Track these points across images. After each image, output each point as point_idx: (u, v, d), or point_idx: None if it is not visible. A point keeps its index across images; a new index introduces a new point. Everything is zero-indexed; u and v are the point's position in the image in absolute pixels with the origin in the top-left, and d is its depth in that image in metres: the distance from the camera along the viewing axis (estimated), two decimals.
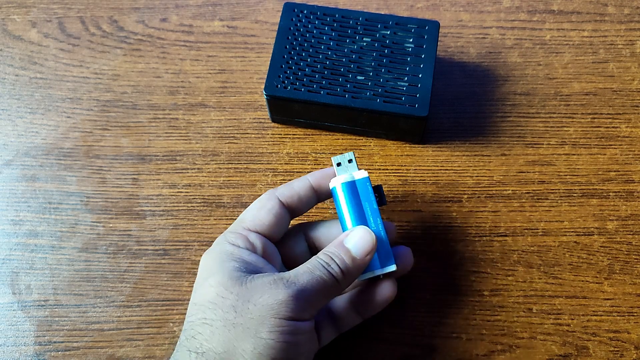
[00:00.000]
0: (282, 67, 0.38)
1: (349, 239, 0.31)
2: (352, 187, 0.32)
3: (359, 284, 0.33)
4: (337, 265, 0.30)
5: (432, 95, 0.39)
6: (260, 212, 0.32)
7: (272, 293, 0.28)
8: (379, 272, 0.31)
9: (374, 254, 0.31)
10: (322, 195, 0.34)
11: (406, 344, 0.36)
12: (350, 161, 0.33)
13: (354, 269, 0.30)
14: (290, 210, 0.33)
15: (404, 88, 0.37)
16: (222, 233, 0.33)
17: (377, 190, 0.33)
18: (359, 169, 0.33)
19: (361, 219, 0.32)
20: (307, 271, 0.29)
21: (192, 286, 0.31)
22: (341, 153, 0.40)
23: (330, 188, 0.33)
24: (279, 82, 0.38)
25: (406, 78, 0.38)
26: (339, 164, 0.33)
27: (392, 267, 0.31)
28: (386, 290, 0.32)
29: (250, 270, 0.30)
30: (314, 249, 0.35)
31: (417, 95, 0.37)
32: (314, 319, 0.30)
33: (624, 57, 0.43)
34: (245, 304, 0.28)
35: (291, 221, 0.34)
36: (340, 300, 0.33)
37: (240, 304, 0.28)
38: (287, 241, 0.34)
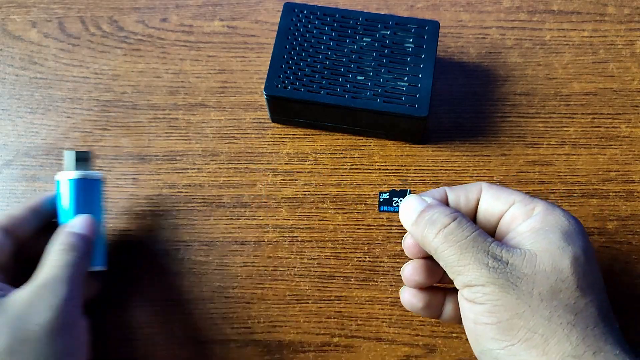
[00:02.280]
0: (282, 67, 0.38)
1: (71, 224, 0.33)
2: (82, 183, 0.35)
3: None
4: (69, 248, 0.32)
5: (432, 95, 0.38)
6: None
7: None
8: (92, 268, 0.34)
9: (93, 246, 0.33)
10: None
11: (406, 344, 0.36)
12: (86, 160, 0.35)
13: (83, 244, 0.32)
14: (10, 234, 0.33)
15: (404, 88, 0.37)
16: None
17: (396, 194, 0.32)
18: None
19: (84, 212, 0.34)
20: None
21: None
22: (341, 153, 0.40)
23: (56, 181, 0.35)
24: (279, 82, 0.38)
25: (406, 78, 0.38)
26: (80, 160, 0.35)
27: (101, 267, 0.35)
28: (93, 288, 0.36)
29: None
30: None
31: (417, 96, 0.37)
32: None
33: (624, 57, 0.43)
34: None
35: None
36: None
37: None
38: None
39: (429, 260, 0.31)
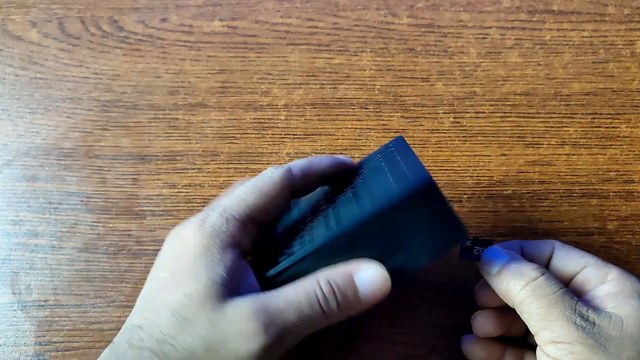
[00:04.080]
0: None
1: (361, 274, 0.26)
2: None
3: None
4: (337, 302, 0.25)
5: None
6: (263, 197, 0.28)
7: (248, 340, 0.24)
8: None
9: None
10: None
11: (407, 344, 0.36)
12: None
13: (353, 310, 0.26)
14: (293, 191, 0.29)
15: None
16: (211, 203, 0.28)
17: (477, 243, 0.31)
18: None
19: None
20: (296, 305, 0.25)
21: None
22: (341, 153, 0.40)
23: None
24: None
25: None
26: None
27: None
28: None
29: (233, 284, 0.25)
30: None
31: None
32: None
33: (624, 57, 0.43)
34: (216, 345, 0.24)
35: None
36: None
37: (211, 341, 0.24)
38: None
39: (500, 311, 0.32)
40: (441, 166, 0.40)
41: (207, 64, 0.44)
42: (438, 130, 0.41)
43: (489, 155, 0.40)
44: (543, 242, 0.32)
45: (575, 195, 0.39)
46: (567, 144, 0.41)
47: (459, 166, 0.40)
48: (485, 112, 0.42)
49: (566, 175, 0.40)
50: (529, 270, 0.29)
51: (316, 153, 0.41)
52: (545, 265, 0.31)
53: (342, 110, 0.42)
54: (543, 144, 0.41)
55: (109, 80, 0.43)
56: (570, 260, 0.31)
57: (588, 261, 0.31)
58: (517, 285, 0.29)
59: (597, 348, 0.26)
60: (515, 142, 0.41)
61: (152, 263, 0.38)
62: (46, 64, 0.44)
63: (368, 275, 0.26)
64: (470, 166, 0.40)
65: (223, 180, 0.40)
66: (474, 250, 0.31)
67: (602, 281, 0.30)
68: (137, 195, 0.40)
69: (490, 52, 0.44)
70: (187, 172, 0.40)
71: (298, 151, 0.41)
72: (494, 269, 0.30)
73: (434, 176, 0.40)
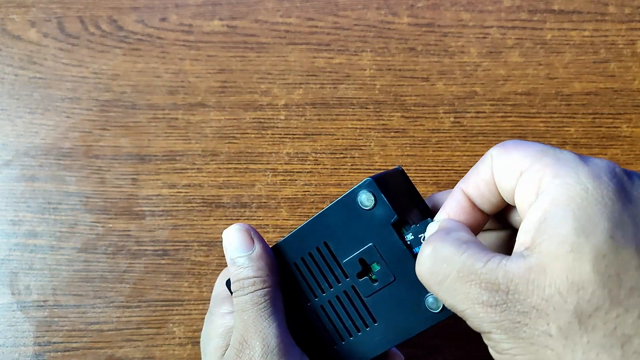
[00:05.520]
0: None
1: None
2: None
3: None
4: None
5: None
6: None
7: None
8: None
9: None
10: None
11: (408, 344, 0.35)
12: None
13: None
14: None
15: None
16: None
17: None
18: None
19: None
20: None
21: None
22: (341, 153, 0.40)
23: None
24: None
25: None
26: None
27: None
28: None
29: None
30: None
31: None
32: None
33: (625, 57, 0.43)
34: None
35: None
36: None
37: None
38: None
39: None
40: (442, 166, 0.40)
41: (206, 63, 0.44)
42: (439, 130, 0.41)
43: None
44: (480, 164, 0.24)
45: None
46: (568, 144, 0.40)
47: (460, 166, 0.40)
48: (486, 112, 0.42)
49: None
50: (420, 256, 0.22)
51: (316, 153, 0.40)
52: (497, 195, 0.23)
53: (342, 110, 0.42)
54: (544, 144, 0.40)
55: (108, 80, 0.43)
56: (506, 173, 0.22)
57: (522, 164, 0.21)
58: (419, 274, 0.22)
59: (514, 330, 0.18)
60: None
61: (152, 263, 0.38)
62: (45, 63, 0.44)
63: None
64: (471, 166, 0.40)
65: (223, 180, 0.40)
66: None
67: (535, 193, 0.20)
68: (137, 196, 0.39)
69: (491, 52, 0.44)
70: (187, 172, 0.40)
71: (298, 151, 0.41)
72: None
73: (435, 176, 0.40)
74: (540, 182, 0.20)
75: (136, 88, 0.43)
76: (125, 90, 0.43)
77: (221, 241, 0.38)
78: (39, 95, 0.43)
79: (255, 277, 0.27)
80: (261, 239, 0.29)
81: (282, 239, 0.29)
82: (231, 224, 0.37)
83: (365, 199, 0.26)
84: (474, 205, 0.24)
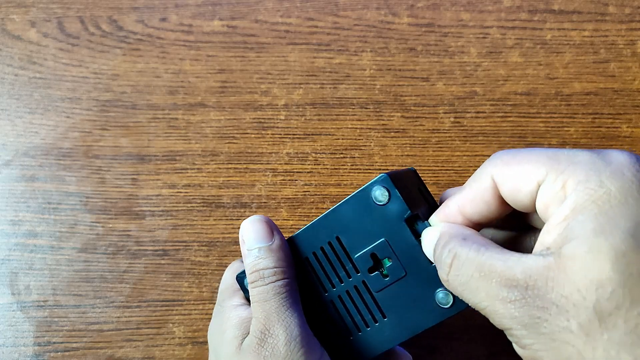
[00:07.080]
0: None
1: None
2: None
3: None
4: None
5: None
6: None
7: None
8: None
9: None
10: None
11: (407, 344, 0.35)
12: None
13: None
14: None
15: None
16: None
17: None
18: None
19: None
20: None
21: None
22: (341, 153, 0.40)
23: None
24: None
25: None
26: None
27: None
28: None
29: None
30: None
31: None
32: None
33: (625, 57, 0.43)
34: None
35: None
36: None
37: None
38: None
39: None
40: (442, 166, 0.40)
41: (206, 63, 0.44)
42: (438, 130, 0.41)
43: (489, 155, 0.40)
44: (474, 179, 0.25)
45: None
46: (568, 144, 0.40)
47: (460, 166, 0.40)
48: (485, 112, 0.42)
49: None
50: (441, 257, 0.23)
51: (316, 153, 0.40)
52: (500, 205, 0.23)
53: (342, 110, 0.42)
54: (544, 144, 0.40)
55: (108, 80, 0.43)
56: (520, 182, 0.22)
57: (539, 173, 0.21)
58: (442, 274, 0.23)
59: (535, 326, 0.19)
60: (516, 142, 0.40)
61: (152, 263, 0.38)
62: (45, 63, 0.44)
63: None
64: (471, 166, 0.40)
65: (223, 180, 0.40)
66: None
67: (562, 200, 0.20)
68: (137, 196, 0.39)
69: (491, 52, 0.44)
70: (187, 172, 0.40)
71: (298, 151, 0.41)
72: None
73: (435, 176, 0.40)
74: (564, 190, 0.20)
75: (136, 88, 0.43)
76: (125, 90, 0.43)
77: (220, 241, 0.38)
78: (39, 95, 0.43)
79: (275, 267, 0.27)
80: (279, 232, 0.29)
81: (295, 232, 0.29)
82: (231, 224, 0.37)
83: (380, 195, 0.26)
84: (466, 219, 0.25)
